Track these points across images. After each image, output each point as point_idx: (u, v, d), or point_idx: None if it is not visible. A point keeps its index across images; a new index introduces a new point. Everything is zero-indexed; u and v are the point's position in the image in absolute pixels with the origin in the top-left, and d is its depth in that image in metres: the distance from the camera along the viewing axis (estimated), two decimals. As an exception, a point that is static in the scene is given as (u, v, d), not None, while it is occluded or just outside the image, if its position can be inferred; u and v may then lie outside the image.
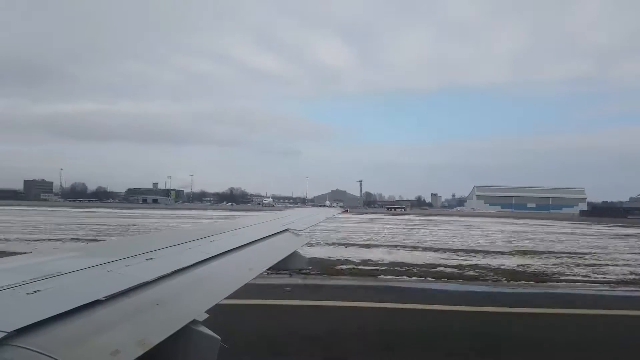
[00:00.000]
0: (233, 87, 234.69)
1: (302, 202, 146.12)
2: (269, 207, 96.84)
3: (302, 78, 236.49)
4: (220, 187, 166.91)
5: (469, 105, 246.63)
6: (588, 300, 8.39)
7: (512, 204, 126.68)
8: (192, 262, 1.76)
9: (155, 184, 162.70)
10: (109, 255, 1.73)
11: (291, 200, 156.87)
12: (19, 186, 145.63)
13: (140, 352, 1.00)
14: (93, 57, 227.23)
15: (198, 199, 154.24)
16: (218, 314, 1.50)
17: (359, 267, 11.01)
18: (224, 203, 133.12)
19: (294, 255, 2.70)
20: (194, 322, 1.26)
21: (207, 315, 1.38)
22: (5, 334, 0.86)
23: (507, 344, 5.53)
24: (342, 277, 9.68)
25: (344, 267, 10.87)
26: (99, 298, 1.16)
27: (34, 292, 1.15)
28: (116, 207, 66.25)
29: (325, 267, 10.48)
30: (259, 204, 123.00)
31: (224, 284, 1.68)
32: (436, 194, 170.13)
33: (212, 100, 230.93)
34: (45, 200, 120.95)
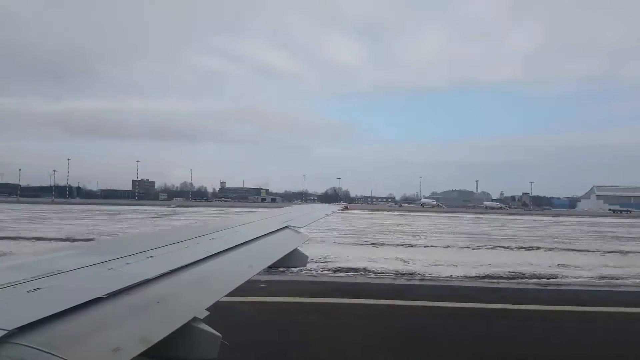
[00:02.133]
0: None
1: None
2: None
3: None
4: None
5: (487, 102, 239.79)
6: None
7: (631, 203, 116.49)
8: (192, 260, 1.77)
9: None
10: (110, 254, 1.73)
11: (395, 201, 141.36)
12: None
13: (142, 349, 1.00)
14: (111, 56, 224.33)
15: (293, 198, 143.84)
16: (218, 312, 1.50)
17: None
18: (339, 203, 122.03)
19: (294, 252, 2.70)
20: (195, 319, 1.27)
21: (208, 313, 1.38)
22: (7, 331, 0.87)
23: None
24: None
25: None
26: (100, 296, 1.17)
27: (35, 290, 1.15)
28: (254, 207, 63.70)
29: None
30: (422, 205, 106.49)
31: (224, 282, 1.68)
32: (527, 193, 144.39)
33: (232, 98, 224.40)
34: (165, 199, 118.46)
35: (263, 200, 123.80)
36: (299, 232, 3.37)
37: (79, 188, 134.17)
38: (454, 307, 7.03)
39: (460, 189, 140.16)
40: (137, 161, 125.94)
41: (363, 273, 9.91)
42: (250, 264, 2.02)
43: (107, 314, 1.12)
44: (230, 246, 2.21)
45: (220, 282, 1.69)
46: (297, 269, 5.78)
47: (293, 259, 2.67)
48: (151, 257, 1.77)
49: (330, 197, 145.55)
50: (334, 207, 9.63)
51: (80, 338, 0.98)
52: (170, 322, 1.18)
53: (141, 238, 3.39)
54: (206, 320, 1.32)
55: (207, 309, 1.39)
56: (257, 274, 1.95)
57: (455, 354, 5.05)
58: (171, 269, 1.58)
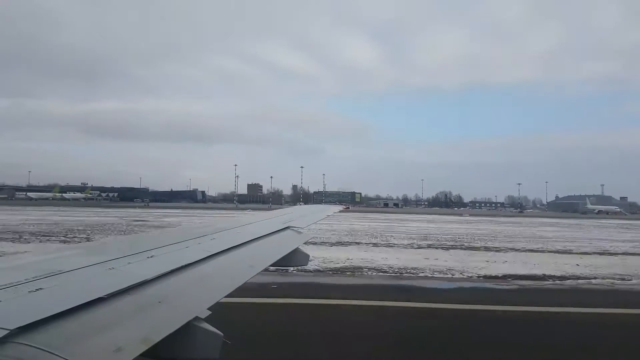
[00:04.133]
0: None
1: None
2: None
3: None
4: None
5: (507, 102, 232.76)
6: None
7: None
8: (193, 260, 1.77)
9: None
10: (111, 254, 1.73)
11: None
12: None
13: (143, 349, 1.00)
14: (130, 58, 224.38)
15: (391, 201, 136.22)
16: (220, 311, 1.50)
17: None
18: (467, 208, 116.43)
19: (295, 252, 2.70)
20: (197, 319, 1.27)
21: (209, 312, 1.38)
22: (8, 331, 0.87)
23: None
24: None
25: None
26: (101, 296, 1.17)
27: (37, 290, 1.15)
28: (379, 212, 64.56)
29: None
30: (598, 212, 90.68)
31: (225, 281, 1.68)
32: (625, 198, 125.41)
33: (254, 100, 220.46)
34: (285, 203, 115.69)
35: (385, 205, 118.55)
36: (300, 233, 3.37)
37: (203, 192, 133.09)
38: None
39: (595, 195, 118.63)
40: (235, 165, 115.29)
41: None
42: (251, 264, 2.01)
43: (108, 314, 1.12)
44: (231, 246, 2.21)
45: (221, 281, 1.69)
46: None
47: (294, 258, 2.67)
48: (152, 257, 1.77)
49: (441, 202, 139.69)
50: (335, 208, 9.61)
51: (81, 338, 0.98)
52: (171, 321, 1.18)
53: (142, 238, 3.40)
54: (208, 320, 1.31)
55: (209, 309, 1.39)
56: (258, 273, 1.95)
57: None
58: (172, 268, 1.58)
